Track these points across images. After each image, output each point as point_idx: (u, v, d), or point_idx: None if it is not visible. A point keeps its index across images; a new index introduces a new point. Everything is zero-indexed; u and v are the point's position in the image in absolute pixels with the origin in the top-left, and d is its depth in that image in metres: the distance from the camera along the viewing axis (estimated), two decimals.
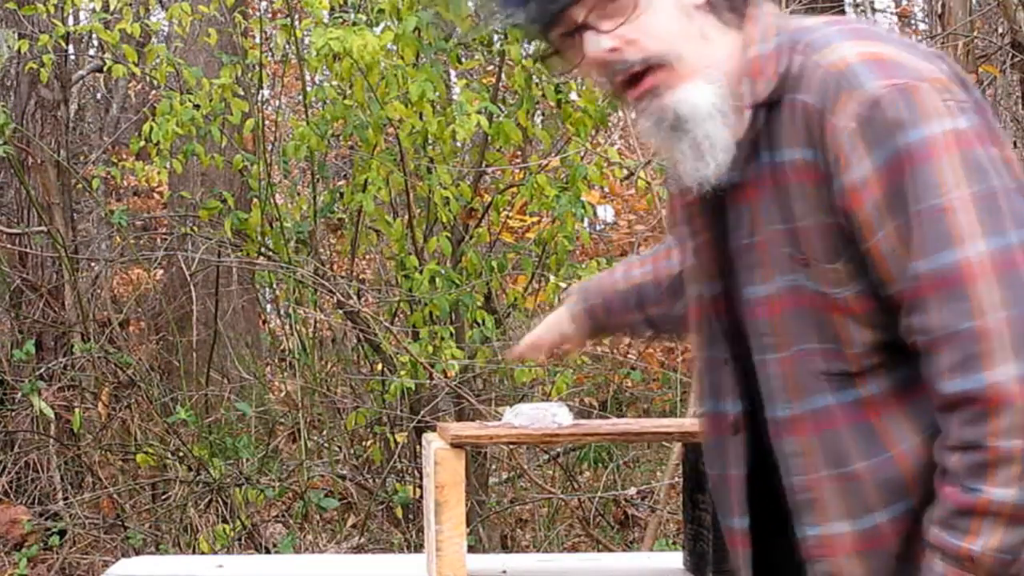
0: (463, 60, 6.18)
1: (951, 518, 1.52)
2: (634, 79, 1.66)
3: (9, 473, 6.21)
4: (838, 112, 1.55)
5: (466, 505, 2.37)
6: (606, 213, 8.03)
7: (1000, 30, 6.61)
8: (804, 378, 1.65)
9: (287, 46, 6.10)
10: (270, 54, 6.64)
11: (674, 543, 5.16)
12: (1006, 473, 1.48)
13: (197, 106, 5.68)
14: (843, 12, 6.48)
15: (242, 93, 5.90)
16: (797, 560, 1.72)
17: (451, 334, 5.32)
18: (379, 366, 5.74)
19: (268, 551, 5.56)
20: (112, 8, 5.82)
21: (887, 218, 1.54)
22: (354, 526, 5.77)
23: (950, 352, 1.50)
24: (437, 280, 5.32)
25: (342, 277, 5.90)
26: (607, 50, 1.64)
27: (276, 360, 7.83)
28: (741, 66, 1.66)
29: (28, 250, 6.77)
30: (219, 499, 5.70)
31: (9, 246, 6.81)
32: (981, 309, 1.49)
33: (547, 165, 5.75)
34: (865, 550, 1.64)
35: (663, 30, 1.64)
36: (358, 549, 5.50)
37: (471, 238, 5.77)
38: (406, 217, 5.58)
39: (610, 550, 5.19)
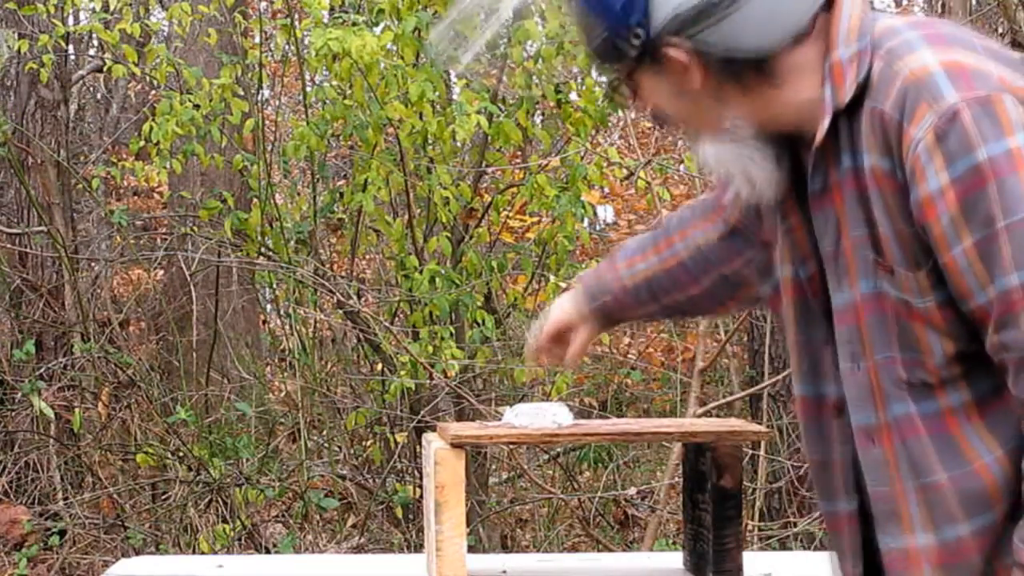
0: None
1: None
2: (672, 125, 1.77)
3: (9, 473, 6.21)
4: (916, 123, 1.53)
5: (466, 505, 2.37)
6: (606, 213, 8.03)
7: (1000, 30, 6.61)
8: (887, 386, 1.64)
9: (287, 46, 6.11)
10: (270, 54, 6.64)
11: (674, 543, 5.16)
12: None
13: (197, 106, 5.68)
14: None
15: (242, 93, 5.90)
16: None
17: (451, 334, 5.32)
18: (379, 366, 5.74)
19: (268, 551, 5.56)
20: (112, 8, 5.82)
21: (964, 233, 1.51)
22: (354, 526, 5.77)
23: None
24: (437, 280, 5.32)
25: (342, 277, 5.90)
26: (643, 111, 1.74)
27: (276, 360, 7.83)
28: (817, 80, 1.65)
29: (28, 250, 6.77)
30: (219, 499, 5.69)
31: (9, 246, 6.81)
32: None
33: (547, 165, 5.75)
34: (947, 564, 1.62)
35: (670, 106, 1.70)
36: (358, 549, 5.49)
37: (471, 238, 5.77)
38: (406, 217, 5.58)
39: (610, 550, 5.19)
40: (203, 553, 5.40)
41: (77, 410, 5.97)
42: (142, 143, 5.86)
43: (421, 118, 5.30)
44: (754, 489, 5.36)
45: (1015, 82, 1.55)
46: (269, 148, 6.28)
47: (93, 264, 7.60)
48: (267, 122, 7.14)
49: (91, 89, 10.97)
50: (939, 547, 1.62)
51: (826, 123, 1.63)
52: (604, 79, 1.73)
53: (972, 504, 1.60)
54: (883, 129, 1.57)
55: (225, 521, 5.61)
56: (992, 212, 1.49)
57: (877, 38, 1.62)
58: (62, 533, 5.89)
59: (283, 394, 6.96)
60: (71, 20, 8.18)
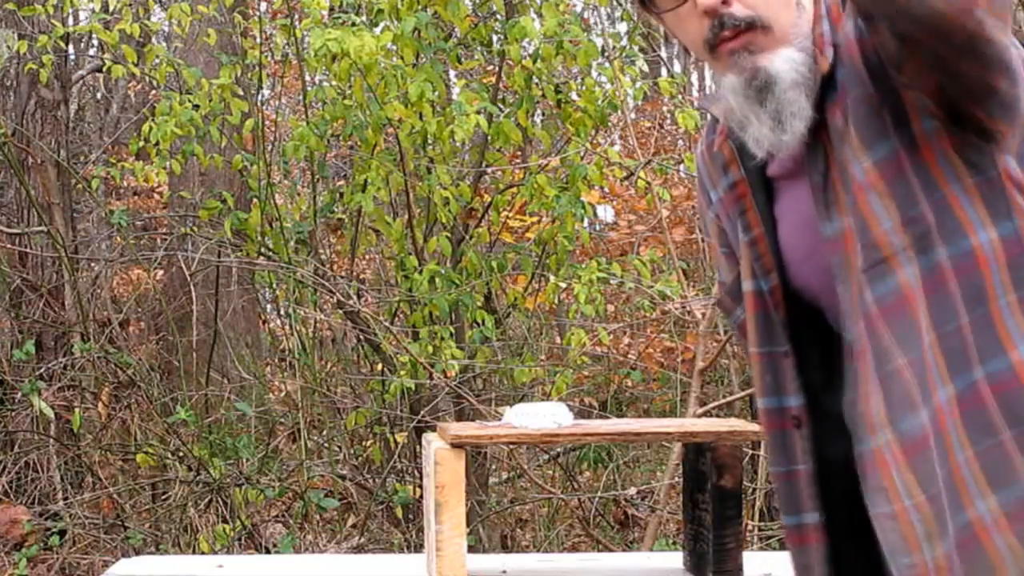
0: (463, 60, 6.18)
1: None
2: (735, 34, 1.68)
3: (9, 473, 6.21)
4: None
5: (466, 505, 2.37)
6: (606, 213, 8.03)
7: None
8: (898, 243, 1.62)
9: (286, 46, 6.11)
10: (270, 54, 6.64)
11: (674, 543, 5.16)
12: None
13: (196, 106, 5.68)
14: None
15: (241, 93, 5.90)
16: (871, 560, 1.71)
17: (451, 334, 5.32)
18: (379, 366, 5.74)
19: (268, 551, 5.56)
20: (112, 8, 5.82)
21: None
22: (354, 526, 5.77)
23: None
24: (437, 280, 5.33)
25: (342, 277, 5.91)
26: (719, 2, 1.67)
27: (276, 360, 7.83)
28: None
29: (28, 250, 6.77)
30: (219, 499, 5.70)
31: (9, 246, 6.81)
32: None
33: (547, 165, 5.75)
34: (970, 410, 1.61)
35: None
36: (358, 549, 5.50)
37: (471, 238, 5.77)
38: (406, 217, 5.58)
39: (610, 550, 5.19)
40: (203, 553, 5.40)
41: (77, 410, 5.97)
42: (141, 143, 5.86)
43: (421, 118, 5.30)
44: (754, 489, 5.36)
45: None
46: (269, 148, 6.29)
47: (93, 264, 7.60)
48: (267, 122, 7.14)
49: (91, 89, 10.97)
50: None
51: (830, 52, 1.66)
52: None
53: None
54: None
55: (225, 521, 5.61)
56: None
57: None
58: (62, 533, 5.89)
59: (283, 394, 6.97)
60: (71, 20, 8.18)
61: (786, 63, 1.66)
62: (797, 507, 1.79)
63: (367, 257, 7.59)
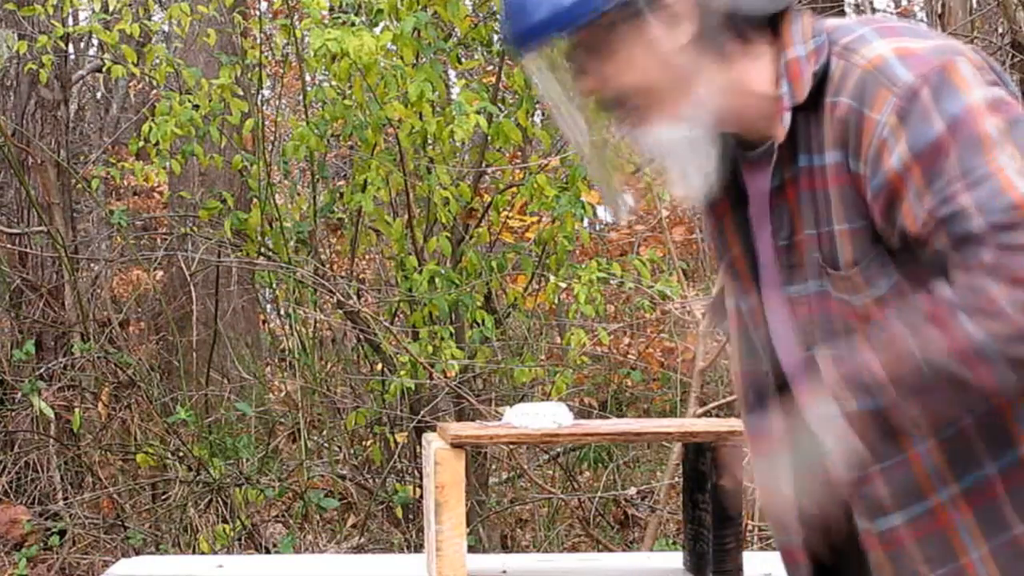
0: (463, 60, 6.18)
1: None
2: (615, 108, 1.68)
3: (9, 473, 6.21)
4: (878, 108, 1.56)
5: (466, 505, 2.37)
6: (606, 213, 8.03)
7: (1000, 30, 6.61)
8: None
9: (286, 46, 6.11)
10: (270, 54, 6.64)
11: (674, 543, 5.16)
12: None
13: (196, 106, 5.68)
14: (843, 12, 6.47)
15: (241, 93, 5.90)
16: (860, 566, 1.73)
17: (451, 334, 5.32)
18: (379, 366, 5.74)
19: (268, 551, 5.56)
20: (111, 8, 5.82)
21: (927, 199, 1.53)
22: (354, 526, 5.77)
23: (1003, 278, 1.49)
24: (437, 280, 5.33)
25: (342, 277, 5.91)
26: (587, 87, 1.67)
27: (276, 360, 7.83)
28: (770, 76, 1.66)
29: (28, 250, 6.77)
30: (219, 499, 5.69)
31: (9, 246, 6.80)
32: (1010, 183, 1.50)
33: (547, 165, 5.75)
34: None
35: (639, 69, 1.64)
36: (358, 549, 5.49)
37: (471, 238, 5.77)
38: (406, 217, 5.58)
39: (610, 550, 5.19)
40: (203, 553, 5.40)
41: (77, 410, 5.97)
42: (141, 143, 5.86)
43: (420, 118, 5.30)
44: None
45: (967, 51, 1.60)
46: (269, 148, 6.28)
47: (93, 264, 7.60)
48: (267, 122, 7.14)
49: (91, 89, 10.96)
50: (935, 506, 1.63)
51: (787, 118, 1.64)
52: (556, 49, 1.64)
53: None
54: (843, 121, 1.59)
55: (225, 521, 5.61)
56: (952, 172, 1.52)
57: (831, 34, 1.65)
58: (62, 533, 5.89)
59: (283, 394, 6.96)
60: (70, 20, 8.18)
61: (665, 133, 1.66)
62: (785, 527, 1.80)
63: (367, 257, 7.59)
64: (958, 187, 1.51)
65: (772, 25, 1.66)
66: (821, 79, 1.62)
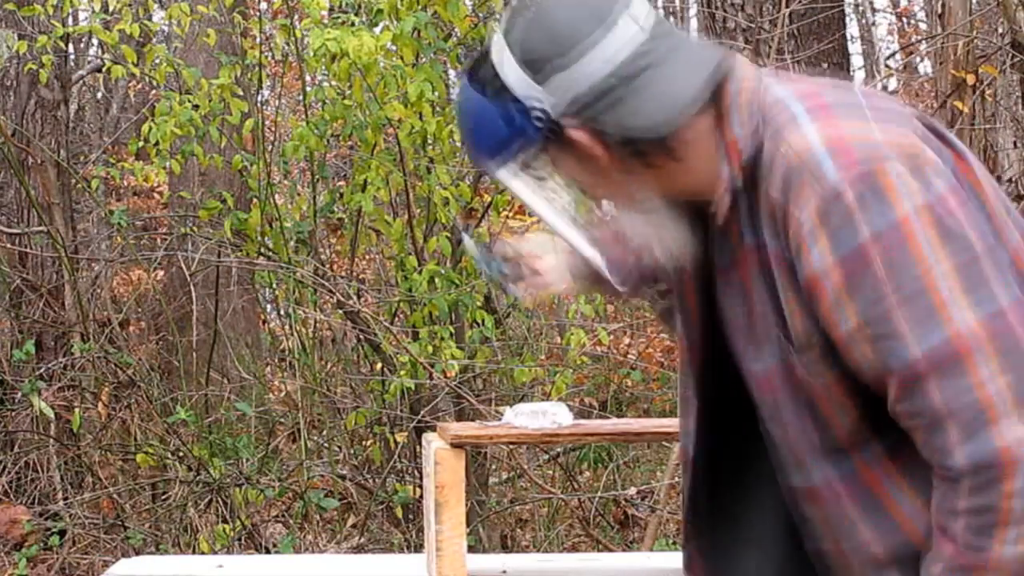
0: (463, 60, 6.18)
1: (953, 574, 1.52)
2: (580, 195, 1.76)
3: (9, 473, 6.21)
4: (799, 205, 1.54)
5: (466, 505, 2.37)
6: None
7: (1000, 30, 6.60)
8: (804, 452, 1.68)
9: (286, 46, 6.10)
10: (269, 54, 6.63)
11: (674, 543, 5.16)
12: (1015, 532, 1.48)
13: (196, 106, 5.68)
14: (842, 12, 6.48)
15: (241, 93, 5.90)
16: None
17: (451, 334, 5.32)
18: (379, 366, 5.74)
19: (268, 551, 5.56)
20: (111, 9, 5.82)
21: (851, 310, 1.52)
22: (354, 526, 5.77)
23: (956, 427, 1.49)
24: (437, 280, 5.32)
25: (342, 277, 5.90)
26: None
27: (276, 360, 7.83)
28: (712, 152, 1.65)
29: (28, 250, 6.77)
30: (219, 499, 5.69)
31: (9, 246, 6.80)
32: (981, 381, 1.48)
33: None
34: None
35: (580, 179, 1.70)
36: (358, 549, 5.49)
37: (471, 238, 5.76)
38: (406, 217, 5.58)
39: (610, 550, 5.19)
40: (203, 553, 5.40)
41: (77, 410, 5.97)
42: (141, 143, 5.86)
43: (420, 118, 5.30)
44: None
45: (904, 139, 1.56)
46: (269, 148, 6.28)
47: (93, 264, 7.60)
48: (267, 122, 7.14)
49: (91, 89, 10.97)
50: None
51: (726, 200, 1.65)
52: (512, 163, 1.70)
53: (901, 556, 1.62)
54: (771, 212, 1.59)
55: (225, 521, 5.61)
56: (880, 290, 1.50)
57: (766, 113, 1.62)
58: (62, 533, 5.89)
59: (283, 394, 6.96)
60: (70, 20, 8.18)
61: (625, 221, 1.73)
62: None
63: (367, 257, 7.59)
64: (889, 304, 1.50)
65: (713, 98, 1.63)
66: (756, 162, 1.61)
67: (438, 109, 5.51)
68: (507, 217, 6.09)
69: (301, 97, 6.24)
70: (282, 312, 6.50)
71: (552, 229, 1.81)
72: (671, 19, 14.76)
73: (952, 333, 1.48)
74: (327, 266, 6.16)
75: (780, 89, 1.65)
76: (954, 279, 1.49)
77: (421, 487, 4.34)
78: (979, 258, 1.51)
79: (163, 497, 6.02)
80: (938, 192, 1.52)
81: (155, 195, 9.90)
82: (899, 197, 1.50)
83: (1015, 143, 6.49)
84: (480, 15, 5.95)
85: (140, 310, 8.19)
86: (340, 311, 5.79)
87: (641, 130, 1.60)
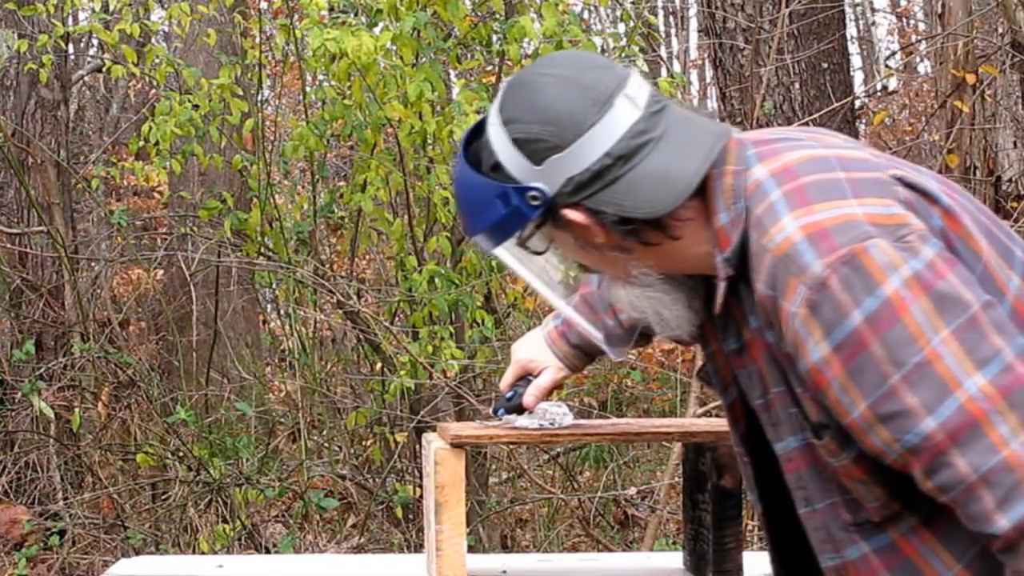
0: (462, 60, 6.18)
1: None
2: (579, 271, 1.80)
3: (9, 473, 6.21)
4: (789, 298, 1.53)
5: (466, 505, 2.37)
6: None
7: (1000, 30, 6.60)
8: (837, 530, 1.66)
9: (286, 46, 6.11)
10: (270, 54, 6.64)
11: (674, 543, 5.16)
12: None
13: (196, 106, 5.68)
14: (842, 12, 6.47)
15: (241, 93, 5.90)
16: None
17: (451, 334, 5.32)
18: (379, 366, 5.74)
19: (268, 551, 5.56)
20: (112, 8, 5.82)
21: (858, 397, 1.51)
22: (354, 526, 5.77)
23: (990, 491, 1.47)
24: (437, 280, 5.32)
25: (342, 277, 5.90)
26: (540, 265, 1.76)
27: (276, 360, 7.83)
28: (705, 238, 1.65)
29: (28, 250, 6.77)
30: (219, 499, 5.69)
31: (9, 246, 6.81)
32: (1004, 439, 1.46)
33: None
34: None
35: (576, 256, 1.71)
36: (358, 549, 5.49)
37: (471, 238, 5.76)
38: (406, 217, 5.58)
39: (610, 550, 5.19)
40: (203, 553, 5.40)
41: (77, 410, 5.97)
42: (141, 143, 5.86)
43: (420, 118, 5.30)
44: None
45: (884, 210, 1.54)
46: (269, 148, 6.29)
47: (93, 264, 7.60)
48: (267, 122, 7.14)
49: (91, 89, 10.97)
50: None
51: (722, 289, 1.64)
52: (508, 241, 1.71)
53: None
54: (763, 305, 1.58)
55: (225, 521, 5.61)
56: (882, 370, 1.48)
57: (749, 199, 1.61)
58: (62, 533, 5.89)
59: (283, 394, 6.97)
60: (70, 20, 8.18)
61: (621, 299, 1.74)
62: None
63: (367, 257, 7.59)
64: (895, 383, 1.48)
65: (699, 189, 1.63)
66: (744, 250, 1.60)
67: (438, 109, 5.51)
68: None
69: (301, 97, 6.24)
70: (282, 312, 6.50)
71: (550, 303, 1.80)
72: (671, 20, 14.77)
73: (964, 400, 1.46)
74: (327, 266, 6.16)
75: (759, 169, 1.63)
76: (955, 345, 1.47)
77: (421, 487, 4.34)
78: (977, 317, 1.49)
79: (163, 497, 6.02)
80: (925, 259, 1.50)
81: (155, 195, 9.90)
82: (885, 273, 1.48)
83: (1015, 143, 6.48)
84: (480, 15, 5.95)
85: (140, 310, 8.19)
86: (340, 311, 5.79)
87: (638, 211, 1.60)
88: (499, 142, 1.63)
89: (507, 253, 1.70)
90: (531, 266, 1.73)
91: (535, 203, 1.62)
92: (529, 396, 2.26)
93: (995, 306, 1.52)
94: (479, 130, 1.68)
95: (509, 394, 2.31)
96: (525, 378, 2.29)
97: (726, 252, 1.62)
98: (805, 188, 1.58)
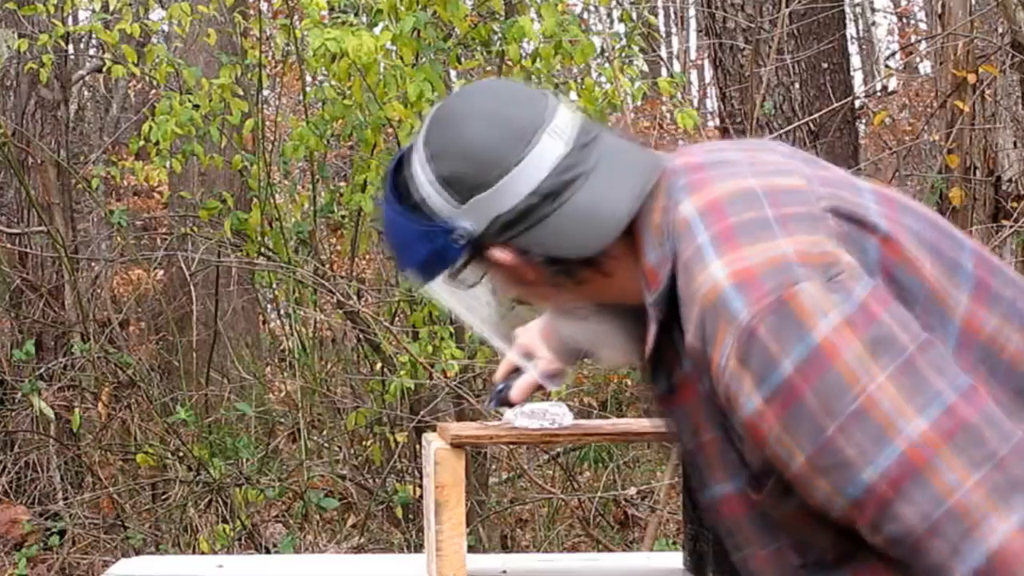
0: (463, 60, 6.18)
1: None
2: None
3: (9, 473, 6.21)
4: (718, 348, 1.46)
5: (466, 505, 2.37)
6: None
7: (1000, 30, 6.60)
8: (786, 574, 1.59)
9: (286, 46, 6.11)
10: (270, 54, 6.64)
11: (674, 543, 5.16)
12: None
13: (196, 106, 5.68)
14: (842, 12, 6.48)
15: (241, 93, 5.90)
16: None
17: (451, 334, 5.32)
18: (379, 366, 5.74)
19: (268, 551, 5.56)
20: (112, 8, 5.82)
21: (796, 450, 1.44)
22: (354, 526, 5.77)
23: (942, 540, 1.40)
24: None
25: (342, 277, 5.91)
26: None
27: (276, 360, 7.83)
28: (636, 274, 1.60)
29: (28, 250, 6.77)
30: (219, 499, 5.70)
31: (9, 246, 6.81)
32: (949, 488, 1.39)
33: None
34: None
35: (510, 290, 1.67)
36: (358, 549, 5.50)
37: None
38: None
39: (610, 550, 5.19)
40: (203, 553, 5.40)
41: (77, 410, 5.97)
42: (141, 143, 5.86)
43: (420, 118, 5.30)
44: None
45: (814, 247, 1.47)
46: (269, 148, 6.29)
47: (93, 264, 7.60)
48: (267, 122, 7.14)
49: (91, 89, 10.97)
50: None
51: (653, 330, 1.59)
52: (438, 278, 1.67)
53: None
54: (692, 353, 1.52)
55: (225, 521, 5.62)
56: (818, 421, 1.41)
57: (676, 240, 1.54)
58: (62, 533, 5.89)
59: (283, 394, 6.97)
60: (71, 20, 8.18)
61: (563, 328, 1.76)
62: None
63: (367, 257, 7.59)
64: (831, 433, 1.41)
65: (629, 226, 1.58)
66: (673, 292, 1.54)
67: None
68: None
69: (301, 97, 6.24)
70: (282, 312, 6.50)
71: (482, 337, 1.78)
72: (671, 20, 14.77)
73: (905, 447, 1.39)
74: (327, 266, 6.16)
75: (687, 205, 1.55)
76: (892, 389, 1.40)
77: (421, 487, 4.34)
78: (913, 358, 1.42)
79: (163, 497, 6.02)
80: (857, 300, 1.43)
81: (155, 195, 9.90)
82: (815, 318, 1.42)
83: (1015, 143, 6.48)
84: (480, 15, 5.95)
85: (140, 310, 8.19)
86: (340, 311, 5.79)
87: (566, 251, 1.57)
88: (423, 179, 1.59)
89: (438, 289, 1.67)
90: (466, 300, 1.69)
91: (460, 243, 1.59)
92: (515, 391, 2.24)
93: (933, 345, 1.45)
94: (402, 164, 1.64)
95: (500, 387, 2.30)
96: (517, 371, 2.28)
97: (655, 294, 1.56)
98: (733, 229, 1.51)
